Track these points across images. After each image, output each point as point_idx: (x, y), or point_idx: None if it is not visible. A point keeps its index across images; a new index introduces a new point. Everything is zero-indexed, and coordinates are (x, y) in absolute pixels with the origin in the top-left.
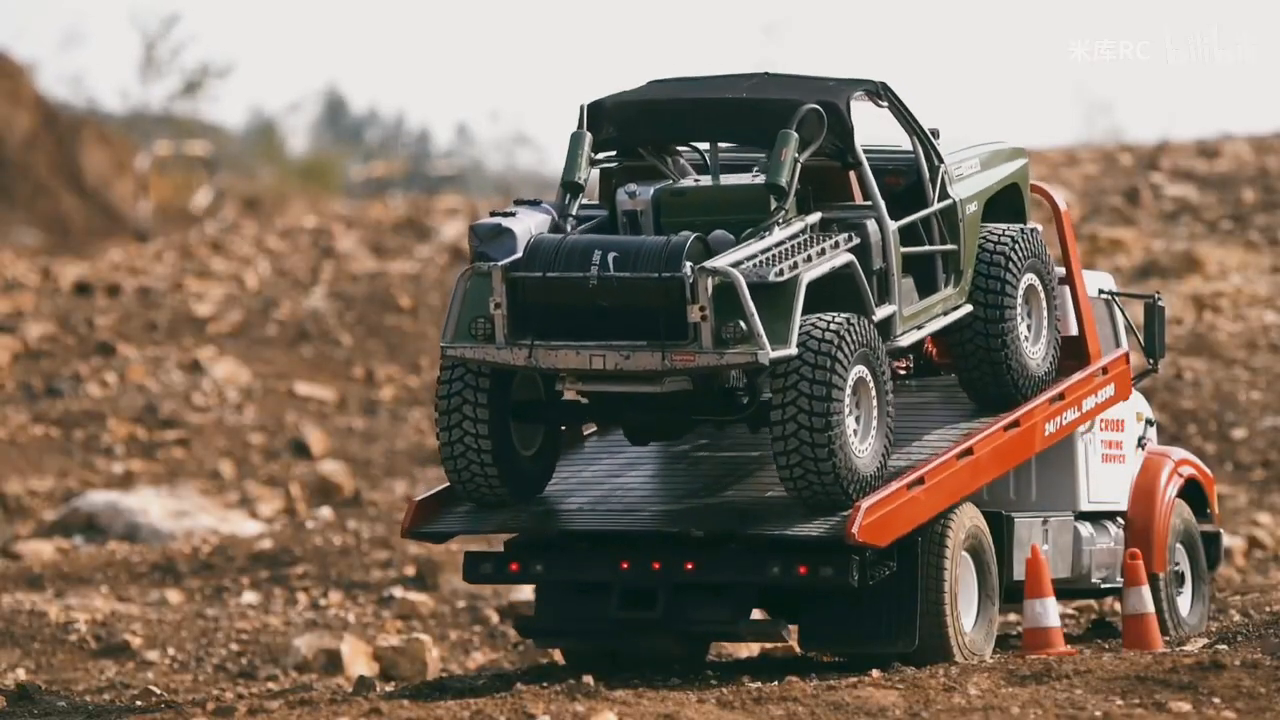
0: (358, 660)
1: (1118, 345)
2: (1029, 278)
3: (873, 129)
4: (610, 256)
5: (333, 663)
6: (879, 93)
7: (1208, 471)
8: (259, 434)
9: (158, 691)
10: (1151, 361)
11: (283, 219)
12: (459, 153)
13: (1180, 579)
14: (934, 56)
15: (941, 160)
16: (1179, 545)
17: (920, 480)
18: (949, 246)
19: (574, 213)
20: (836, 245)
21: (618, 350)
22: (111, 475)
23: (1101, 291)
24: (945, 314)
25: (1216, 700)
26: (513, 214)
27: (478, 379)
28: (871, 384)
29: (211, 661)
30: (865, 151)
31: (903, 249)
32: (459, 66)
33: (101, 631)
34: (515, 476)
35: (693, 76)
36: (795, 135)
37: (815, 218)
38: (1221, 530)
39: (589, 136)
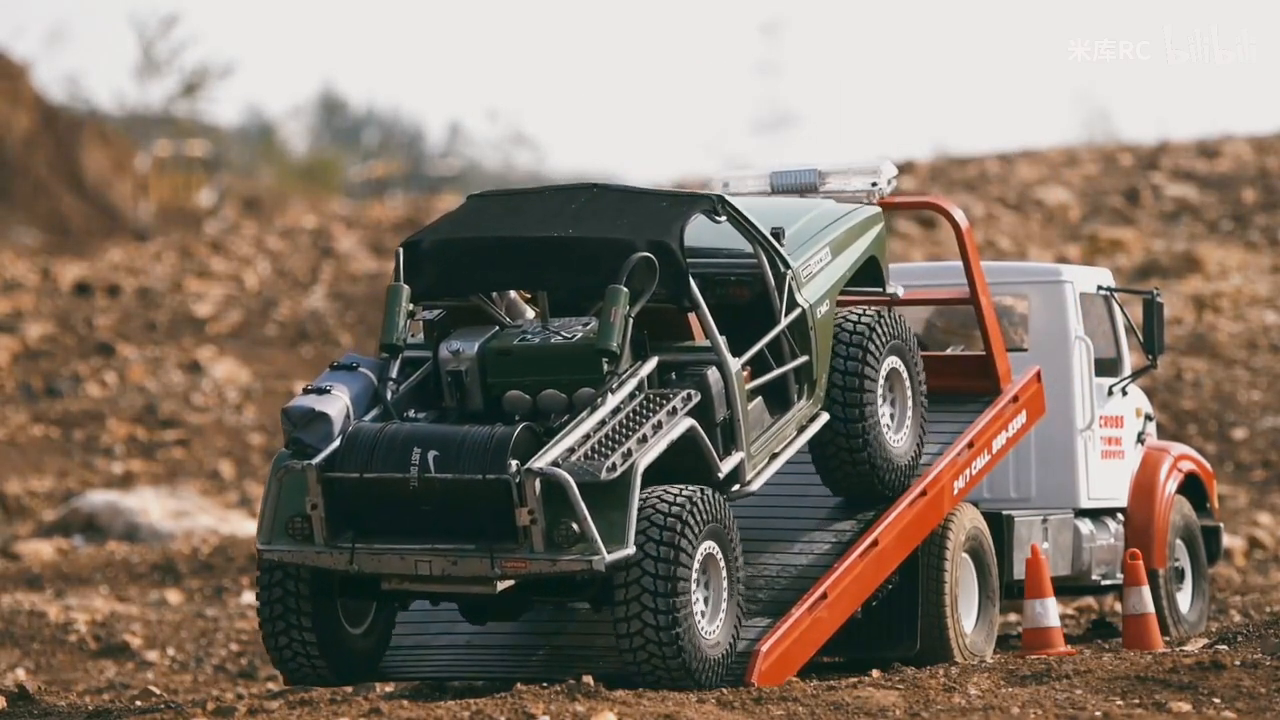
0: None
1: (1116, 343)
2: (890, 361)
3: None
4: (431, 456)
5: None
6: (715, 209)
7: (1207, 466)
8: (259, 434)
9: (158, 691)
10: (1150, 359)
11: (283, 219)
12: (456, 152)
13: (1180, 575)
14: (934, 56)
15: (788, 266)
16: (1179, 541)
17: (824, 595)
18: (800, 360)
19: (394, 375)
20: (674, 411)
21: (444, 555)
22: (111, 475)
23: (1100, 288)
24: (800, 430)
25: (1216, 700)
26: (328, 390)
27: (298, 579)
28: (720, 559)
29: (211, 662)
30: (709, 261)
31: (751, 383)
32: (456, 66)
33: (101, 632)
34: (343, 660)
35: (516, 190)
36: (624, 291)
37: (652, 364)
38: (1221, 525)
39: (406, 290)
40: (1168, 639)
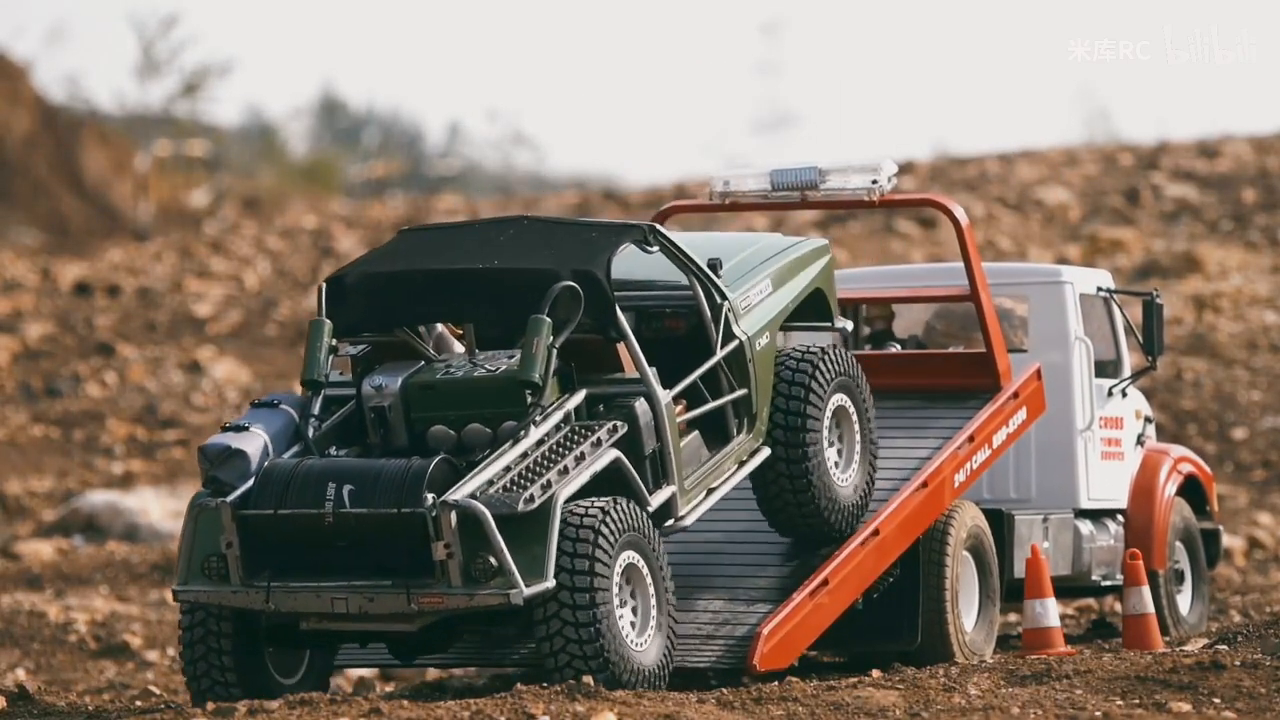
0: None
1: (1116, 345)
2: (837, 399)
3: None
4: (346, 490)
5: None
6: (646, 239)
7: (1207, 469)
8: None
9: (158, 691)
10: (1150, 359)
11: (283, 219)
12: (455, 152)
13: (1180, 577)
14: (934, 56)
15: (725, 297)
16: (1178, 543)
17: (825, 582)
18: (739, 393)
19: (315, 412)
20: (599, 443)
21: (360, 592)
22: (111, 475)
23: (1100, 289)
24: (740, 465)
25: (1216, 700)
26: (245, 427)
27: (219, 619)
28: (644, 567)
29: None
30: (643, 291)
31: (686, 414)
32: (456, 66)
33: (101, 632)
34: None
35: (447, 225)
36: (547, 321)
37: (579, 398)
38: (1221, 528)
39: (328, 325)
40: (1167, 639)
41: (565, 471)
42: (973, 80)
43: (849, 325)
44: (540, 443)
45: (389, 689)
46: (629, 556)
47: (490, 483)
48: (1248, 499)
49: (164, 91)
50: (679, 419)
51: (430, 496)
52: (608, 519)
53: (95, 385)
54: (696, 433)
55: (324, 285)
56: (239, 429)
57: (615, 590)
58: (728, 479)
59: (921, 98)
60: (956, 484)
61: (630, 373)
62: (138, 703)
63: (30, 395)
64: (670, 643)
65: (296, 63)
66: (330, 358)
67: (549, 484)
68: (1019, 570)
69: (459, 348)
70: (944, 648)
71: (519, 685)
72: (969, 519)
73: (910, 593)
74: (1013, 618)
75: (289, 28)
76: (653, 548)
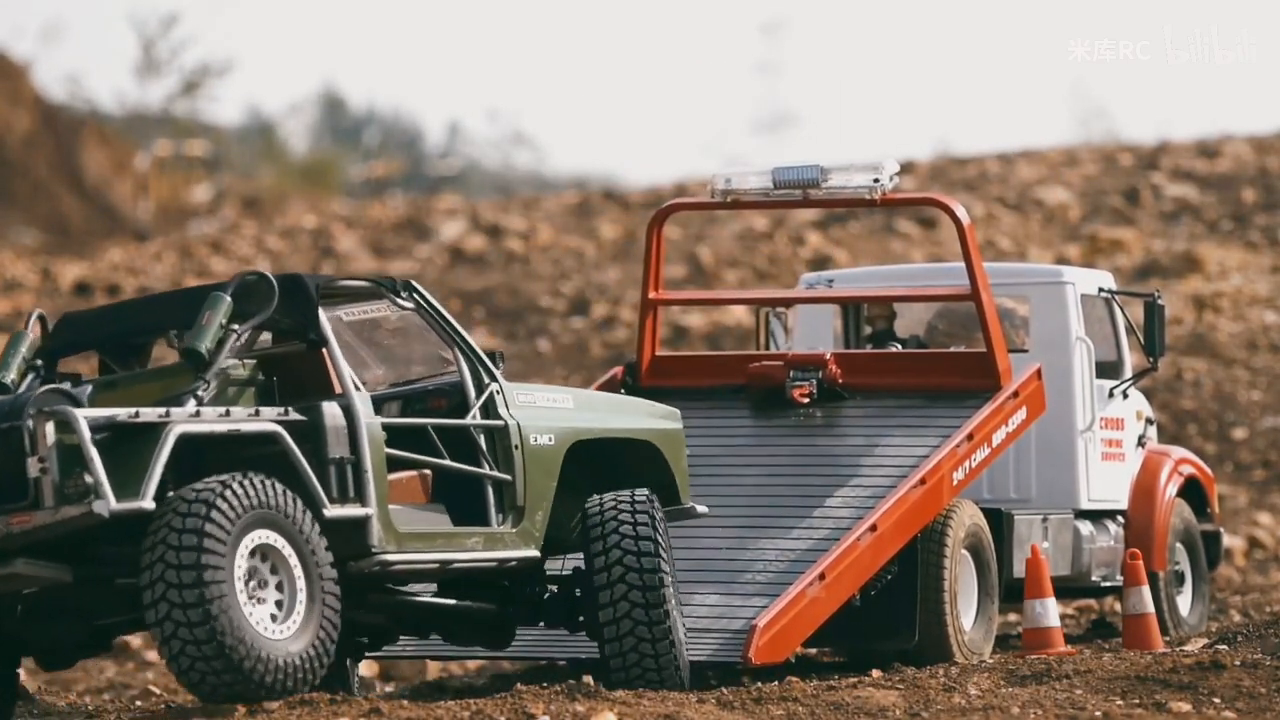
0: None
1: (1117, 346)
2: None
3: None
4: None
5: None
6: (396, 290)
7: (1208, 471)
8: None
9: (157, 691)
10: (1151, 360)
11: (283, 219)
12: (456, 152)
13: (1180, 578)
14: (934, 56)
15: (494, 378)
16: (1179, 544)
17: (821, 576)
18: (498, 475)
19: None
20: (258, 414)
21: None
22: None
23: (1101, 290)
24: (489, 551)
25: (1216, 700)
26: None
27: None
28: (288, 549)
29: None
30: (412, 381)
31: (416, 454)
32: (456, 66)
33: None
34: None
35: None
36: (227, 300)
37: (279, 412)
38: (1221, 529)
39: (30, 337)
40: (1167, 639)
41: (198, 415)
42: (973, 80)
43: (704, 509)
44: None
45: (389, 689)
46: (263, 536)
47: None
48: (1248, 499)
49: (164, 91)
50: (424, 480)
51: (32, 410)
52: (236, 486)
53: None
54: (444, 507)
55: (38, 318)
56: None
57: (236, 561)
58: (474, 560)
59: (922, 98)
60: (955, 482)
61: (340, 392)
62: (138, 703)
63: None
64: (327, 635)
65: (296, 62)
66: (21, 366)
67: (169, 413)
68: (1018, 570)
69: None
70: (942, 646)
71: (519, 685)
72: (968, 518)
73: (909, 591)
74: (1013, 618)
75: (289, 27)
76: (301, 530)
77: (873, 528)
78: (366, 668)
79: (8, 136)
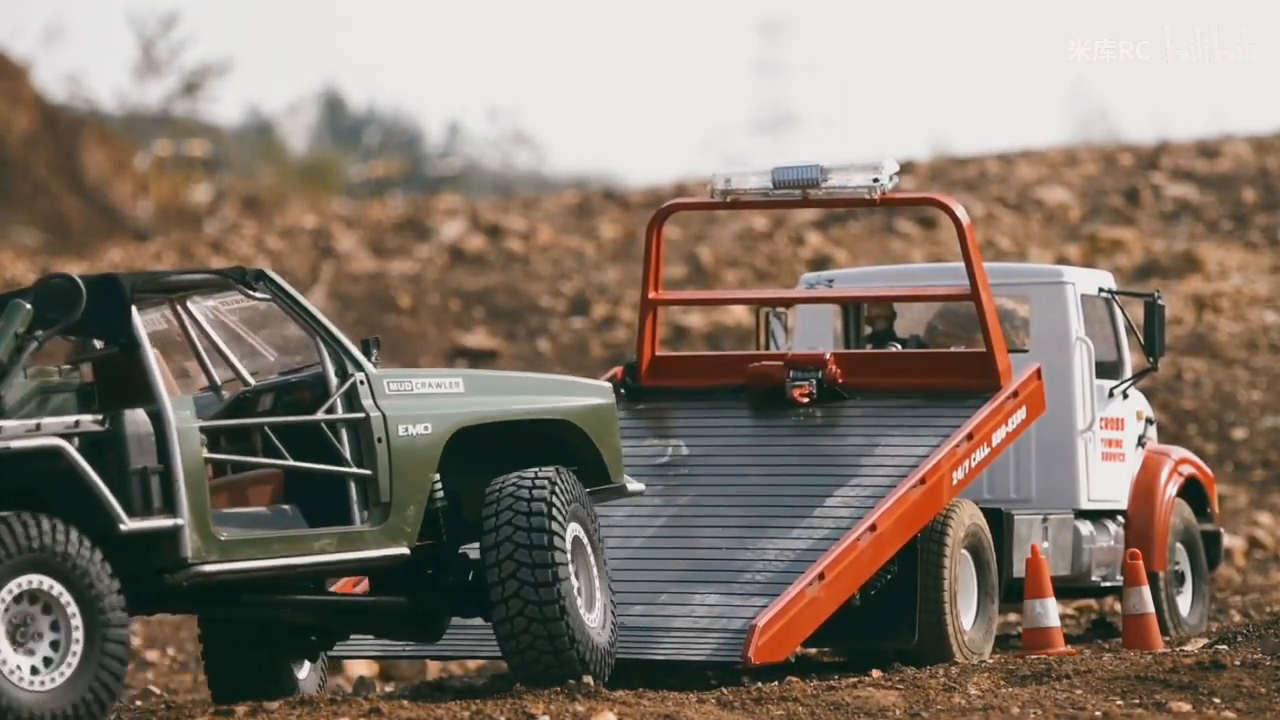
0: (357, 660)
1: (1117, 346)
2: (573, 527)
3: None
4: None
5: (332, 663)
6: (247, 281)
7: (1208, 471)
8: None
9: (158, 691)
10: (1151, 360)
11: (283, 219)
12: (456, 152)
13: (1180, 578)
14: (933, 56)
15: (360, 368)
16: (1179, 544)
17: (821, 576)
18: (356, 470)
19: None
20: (38, 429)
21: None
22: None
23: (1101, 290)
24: (345, 553)
25: (1216, 700)
26: None
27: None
28: (68, 599)
29: None
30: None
31: (243, 457)
32: (456, 66)
33: None
34: None
35: None
36: (25, 307)
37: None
38: (1222, 530)
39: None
40: (1167, 639)
41: None
42: (972, 80)
43: (642, 487)
44: None
45: (389, 689)
46: (32, 581)
47: None
48: (1248, 499)
49: (164, 91)
50: (271, 479)
51: None
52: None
53: None
54: (296, 507)
55: None
56: None
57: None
58: (325, 562)
59: (921, 97)
60: (955, 481)
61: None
62: (138, 703)
63: None
64: (102, 679)
65: (296, 62)
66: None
67: None
68: (1018, 570)
69: None
70: (942, 646)
71: (519, 685)
72: (967, 517)
73: (908, 591)
74: (1013, 618)
75: (289, 27)
76: (81, 574)
77: (872, 527)
78: (366, 667)
79: (8, 136)
